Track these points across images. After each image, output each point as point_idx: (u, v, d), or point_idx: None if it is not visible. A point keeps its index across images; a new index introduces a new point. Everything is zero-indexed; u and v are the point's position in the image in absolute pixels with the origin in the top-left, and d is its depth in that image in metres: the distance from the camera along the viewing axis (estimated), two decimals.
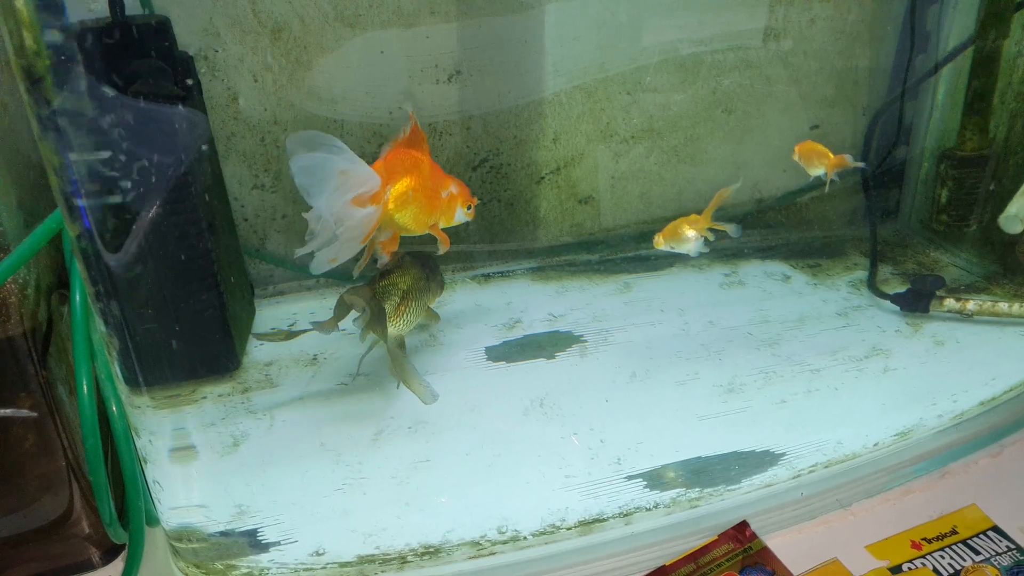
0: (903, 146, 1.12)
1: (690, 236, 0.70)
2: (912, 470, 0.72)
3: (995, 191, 1.00)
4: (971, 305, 0.90)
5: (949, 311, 0.91)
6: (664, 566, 0.62)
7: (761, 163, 1.10)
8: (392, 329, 0.74)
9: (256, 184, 0.95)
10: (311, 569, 0.60)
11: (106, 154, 0.53)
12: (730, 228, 0.72)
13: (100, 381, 0.57)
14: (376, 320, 0.72)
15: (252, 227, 0.97)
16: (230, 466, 0.70)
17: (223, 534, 0.63)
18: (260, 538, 0.62)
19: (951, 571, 0.61)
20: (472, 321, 0.93)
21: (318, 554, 0.61)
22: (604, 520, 0.63)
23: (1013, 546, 0.64)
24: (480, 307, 0.97)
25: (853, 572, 0.61)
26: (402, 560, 0.60)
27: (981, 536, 0.65)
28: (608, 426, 0.74)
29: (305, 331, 0.75)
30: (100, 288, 0.51)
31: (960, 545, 0.64)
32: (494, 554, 0.61)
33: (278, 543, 0.62)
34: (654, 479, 0.67)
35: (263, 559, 0.60)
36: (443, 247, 0.77)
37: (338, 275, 0.90)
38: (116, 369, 0.55)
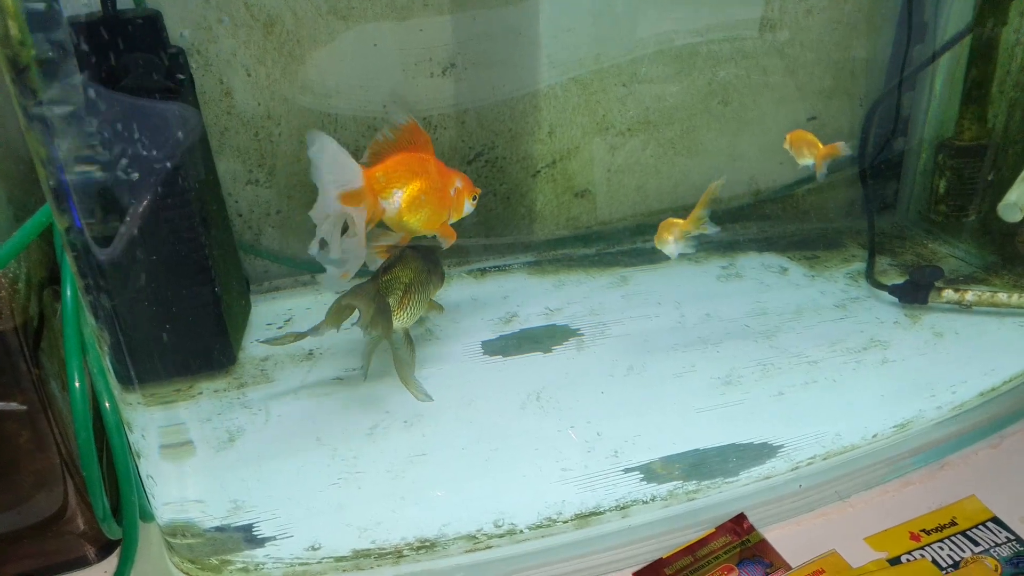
0: (901, 137, 1.11)
1: (668, 240, 0.74)
2: (911, 462, 0.71)
3: (994, 181, 0.99)
4: (970, 296, 0.90)
5: (948, 302, 0.91)
6: (661, 559, 0.62)
7: (758, 155, 1.10)
8: (396, 323, 0.74)
9: (250, 179, 0.94)
10: (307, 564, 0.59)
11: (94, 147, 0.52)
12: (709, 230, 0.75)
13: (92, 376, 0.56)
14: (381, 316, 0.72)
15: (247, 222, 0.97)
16: (225, 461, 0.69)
17: (218, 529, 0.62)
18: (256, 533, 0.62)
19: (950, 562, 0.61)
20: (468, 315, 0.93)
21: (314, 549, 0.60)
22: (601, 513, 0.63)
23: (1013, 537, 0.63)
24: (476, 301, 0.97)
25: (852, 564, 0.61)
26: (398, 554, 0.60)
27: (980, 527, 0.64)
28: (605, 419, 0.73)
29: (309, 333, 0.74)
30: (90, 282, 0.51)
31: (959, 536, 0.63)
32: (490, 548, 0.60)
33: (273, 538, 0.61)
34: (651, 472, 0.67)
35: (259, 554, 0.60)
36: (449, 242, 0.77)
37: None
38: (107, 364, 0.55)
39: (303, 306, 0.96)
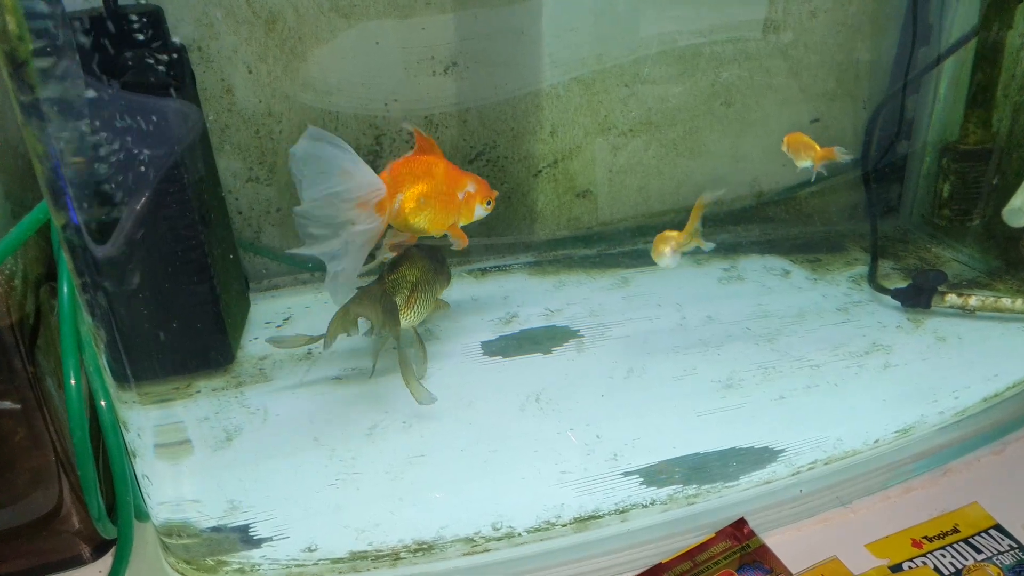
0: (904, 140, 1.11)
1: (664, 253, 0.75)
2: (913, 467, 0.71)
3: (998, 185, 0.99)
4: (973, 301, 0.89)
5: (951, 307, 0.90)
6: (660, 564, 0.61)
7: (761, 156, 1.09)
8: (403, 322, 0.74)
9: (251, 177, 0.94)
10: (303, 565, 0.59)
11: (92, 143, 0.52)
12: (705, 247, 0.77)
13: (88, 374, 0.56)
14: (389, 317, 0.71)
15: (247, 220, 0.96)
16: (223, 461, 0.69)
17: (214, 529, 0.62)
18: (252, 534, 0.61)
19: (952, 570, 0.61)
20: (468, 315, 0.93)
21: (310, 550, 0.60)
22: (600, 517, 0.62)
23: (1015, 545, 0.63)
24: (476, 301, 0.96)
25: (853, 571, 0.60)
26: (395, 556, 0.59)
27: (983, 535, 0.64)
28: (605, 422, 0.73)
29: (318, 339, 0.74)
30: (87, 279, 0.51)
31: (962, 544, 0.63)
32: (488, 551, 0.60)
33: (270, 539, 0.61)
34: (651, 475, 0.66)
35: (255, 555, 0.60)
36: (460, 244, 0.78)
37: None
38: (103, 362, 0.54)
39: (302, 304, 0.96)
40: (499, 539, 0.61)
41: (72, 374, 0.54)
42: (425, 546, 0.60)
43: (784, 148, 0.83)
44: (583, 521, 0.62)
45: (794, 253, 1.08)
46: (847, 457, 0.68)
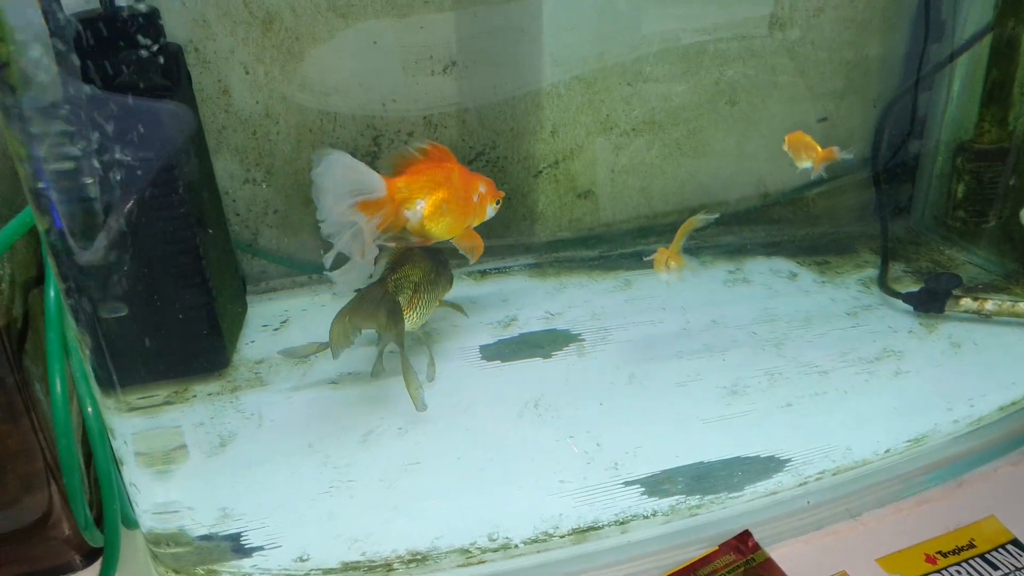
0: (916, 139, 1.08)
1: (661, 275, 0.76)
2: (926, 479, 0.69)
3: (1015, 185, 0.96)
4: (990, 305, 0.87)
5: (966, 311, 0.88)
6: None
7: (766, 156, 1.07)
8: (406, 323, 0.73)
9: (248, 179, 0.93)
10: None
11: (79, 145, 0.51)
12: (691, 264, 0.78)
13: (75, 380, 0.55)
14: (393, 319, 0.70)
15: (244, 222, 0.96)
16: (216, 466, 0.68)
17: (205, 538, 0.61)
18: (243, 542, 0.60)
19: None
20: (467, 318, 0.91)
21: (302, 560, 0.59)
22: (599, 528, 0.61)
23: None
24: (475, 304, 0.95)
25: None
26: (388, 567, 0.58)
27: (1000, 550, 0.61)
28: (605, 429, 0.71)
29: (327, 346, 0.73)
30: (71, 284, 0.50)
31: (978, 559, 0.61)
32: (484, 562, 0.59)
33: (261, 548, 0.60)
34: (652, 485, 0.65)
35: (245, 564, 0.59)
36: (475, 255, 0.78)
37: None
38: (88, 368, 0.53)
39: (299, 307, 0.95)
40: (495, 550, 0.59)
41: (58, 380, 0.53)
42: (419, 557, 0.58)
43: (785, 148, 0.82)
44: (582, 532, 0.60)
45: (801, 255, 1.06)
46: (857, 467, 0.66)
